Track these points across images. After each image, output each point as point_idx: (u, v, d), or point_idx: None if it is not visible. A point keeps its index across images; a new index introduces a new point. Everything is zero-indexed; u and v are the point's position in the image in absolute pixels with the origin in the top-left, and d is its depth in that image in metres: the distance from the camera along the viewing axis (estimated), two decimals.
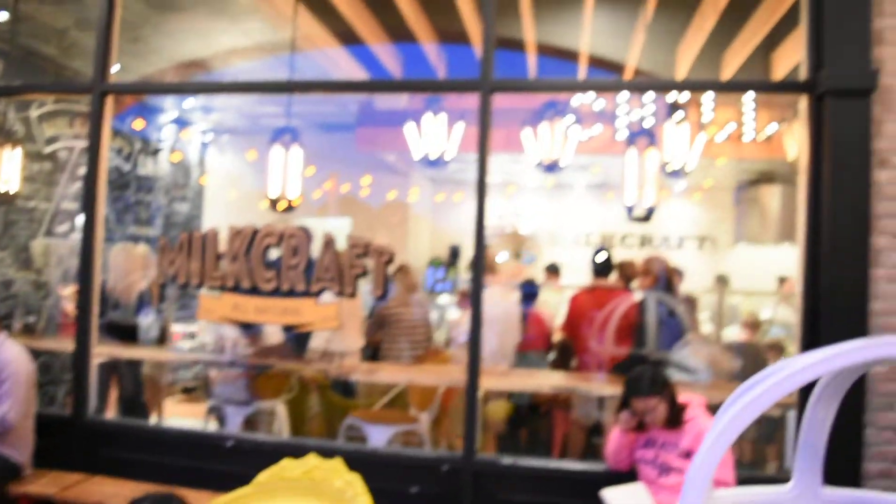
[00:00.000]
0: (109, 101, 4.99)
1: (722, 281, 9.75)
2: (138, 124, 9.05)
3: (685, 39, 6.91)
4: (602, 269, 6.03)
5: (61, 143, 7.89)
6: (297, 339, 5.28)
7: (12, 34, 6.53)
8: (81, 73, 7.53)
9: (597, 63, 6.93)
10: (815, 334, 3.86)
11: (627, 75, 6.95)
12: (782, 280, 8.85)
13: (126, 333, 6.07)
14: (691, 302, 6.08)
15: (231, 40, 7.24)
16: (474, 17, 6.13)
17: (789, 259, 4.54)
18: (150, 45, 7.33)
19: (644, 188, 4.21)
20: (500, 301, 6.05)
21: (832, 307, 3.79)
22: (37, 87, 6.87)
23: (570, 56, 6.86)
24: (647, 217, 4.17)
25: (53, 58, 7.46)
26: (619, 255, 6.37)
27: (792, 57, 6.30)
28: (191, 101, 9.47)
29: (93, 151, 4.88)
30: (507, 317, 6.04)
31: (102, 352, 5.26)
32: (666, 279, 5.51)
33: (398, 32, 6.86)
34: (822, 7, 3.98)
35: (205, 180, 10.58)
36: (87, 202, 4.83)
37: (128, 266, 6.44)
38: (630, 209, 4.24)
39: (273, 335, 5.45)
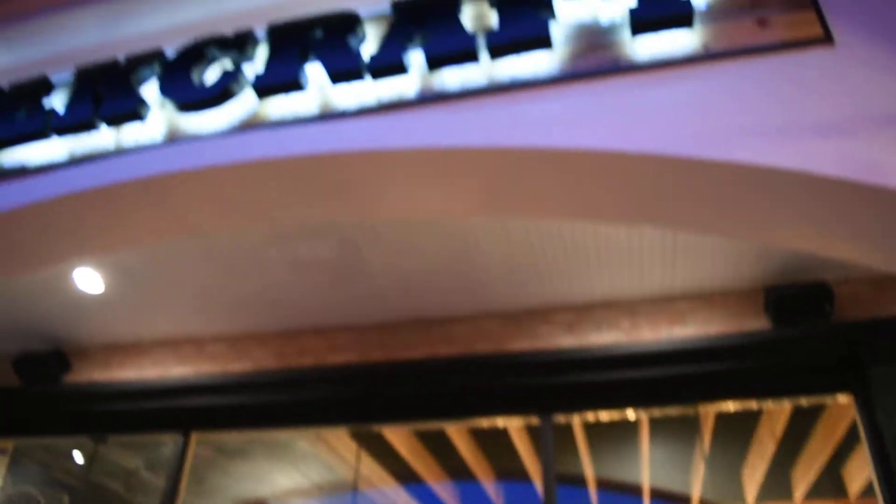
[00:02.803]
0: None
1: None
2: None
3: (748, 464, 6.81)
4: None
5: None
6: None
7: (84, 473, 6.78)
8: None
9: (660, 495, 6.79)
10: None
11: None
12: None
13: None
14: None
15: (290, 481, 7.37)
16: (532, 456, 6.22)
17: None
18: (211, 484, 7.49)
19: None
20: None
21: None
22: None
23: (632, 490, 6.76)
24: None
25: (117, 492, 7.63)
26: None
27: (865, 469, 6.11)
28: None
29: None
30: None
31: None
32: None
33: (456, 471, 6.94)
34: (881, 433, 3.98)
35: None
36: None
37: None
38: None
39: None
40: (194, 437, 5.41)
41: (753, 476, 6.77)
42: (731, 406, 4.59)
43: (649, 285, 4.54)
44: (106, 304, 5.25)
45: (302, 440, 6.38)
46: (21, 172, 3.71)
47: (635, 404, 4.59)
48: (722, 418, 5.43)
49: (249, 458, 6.90)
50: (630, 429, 5.86)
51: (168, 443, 5.43)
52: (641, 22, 2.94)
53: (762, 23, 2.90)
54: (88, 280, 4.93)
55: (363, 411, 5.02)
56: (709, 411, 5.05)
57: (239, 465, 7.05)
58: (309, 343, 5.15)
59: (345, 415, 5.09)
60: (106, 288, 5.03)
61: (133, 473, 7.51)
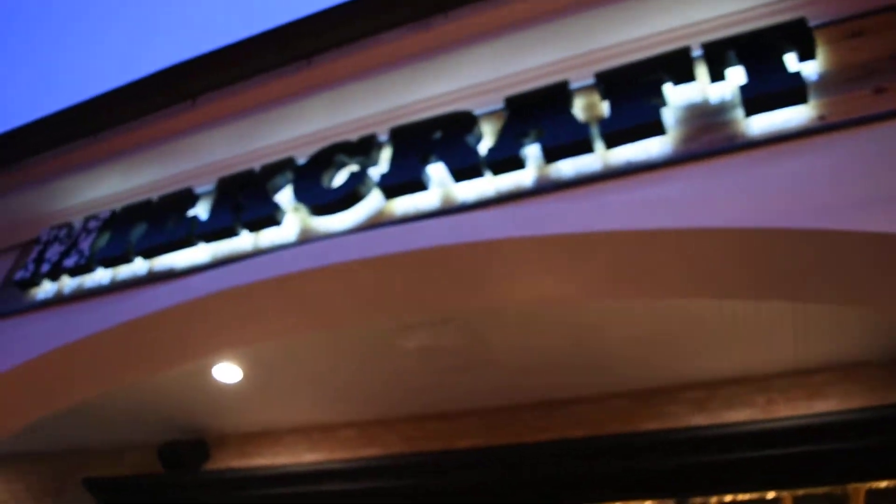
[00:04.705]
0: None
1: None
2: None
3: None
4: None
5: None
6: None
7: None
8: None
9: None
10: None
11: None
12: None
13: None
14: None
15: None
16: None
17: None
18: None
19: None
20: None
21: None
22: None
23: None
24: None
25: None
26: None
27: None
28: None
29: None
30: None
31: None
32: None
33: None
34: None
35: None
36: None
37: None
38: None
39: None
40: None
41: None
42: (882, 483, 4.27)
43: (782, 359, 4.36)
44: (243, 394, 5.49)
45: None
46: (169, 275, 4.03)
47: (776, 484, 4.35)
48: (874, 494, 5.06)
49: None
50: None
51: None
52: (753, 101, 2.95)
53: (880, 90, 2.86)
54: (227, 372, 5.20)
55: (492, 495, 4.98)
56: (859, 488, 4.72)
57: None
58: (436, 428, 5.20)
59: (474, 499, 5.05)
60: (243, 379, 5.28)
61: None
